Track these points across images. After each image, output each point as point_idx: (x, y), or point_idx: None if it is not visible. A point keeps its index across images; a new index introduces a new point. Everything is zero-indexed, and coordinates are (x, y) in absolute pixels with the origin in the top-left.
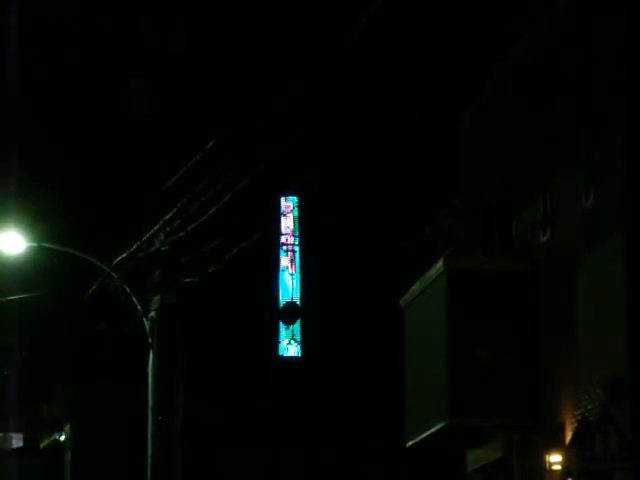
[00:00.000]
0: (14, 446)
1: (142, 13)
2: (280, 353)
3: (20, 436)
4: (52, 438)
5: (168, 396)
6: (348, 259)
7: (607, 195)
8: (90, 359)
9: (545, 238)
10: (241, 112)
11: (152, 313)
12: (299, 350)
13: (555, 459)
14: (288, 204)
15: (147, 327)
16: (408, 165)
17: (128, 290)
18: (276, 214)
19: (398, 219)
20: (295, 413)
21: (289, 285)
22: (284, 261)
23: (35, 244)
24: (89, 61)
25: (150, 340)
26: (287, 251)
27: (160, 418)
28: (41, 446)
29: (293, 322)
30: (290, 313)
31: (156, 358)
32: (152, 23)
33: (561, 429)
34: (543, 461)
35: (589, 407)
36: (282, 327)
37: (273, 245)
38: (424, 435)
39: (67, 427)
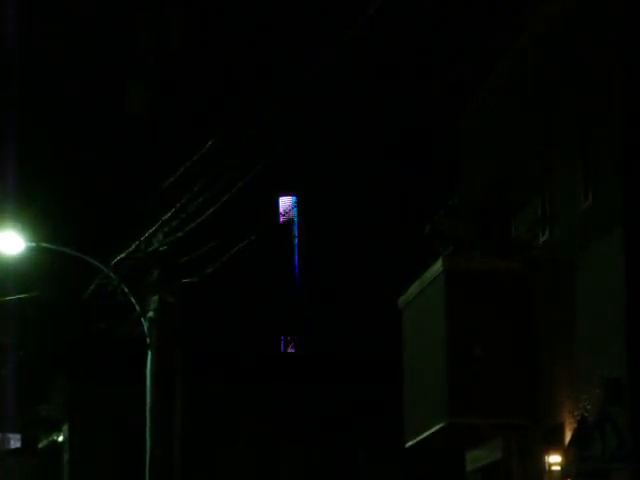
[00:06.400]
0: (12, 446)
1: (141, 12)
2: (279, 353)
3: (18, 436)
4: (50, 438)
5: (166, 396)
6: (347, 259)
7: (606, 195)
8: (89, 359)
9: (544, 238)
10: (240, 112)
11: (150, 313)
12: (298, 349)
13: (554, 459)
14: (287, 204)
15: (145, 327)
16: (406, 165)
17: (127, 290)
18: (275, 214)
19: (396, 219)
20: (295, 413)
21: (288, 285)
22: (283, 261)
23: (34, 244)
24: (89, 61)
25: (148, 340)
26: (286, 251)
27: (158, 418)
28: (39, 446)
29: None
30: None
31: (154, 358)
32: (151, 22)
33: (560, 429)
34: (542, 461)
35: (588, 407)
36: (281, 327)
37: (272, 245)
38: (423, 435)
39: (65, 427)
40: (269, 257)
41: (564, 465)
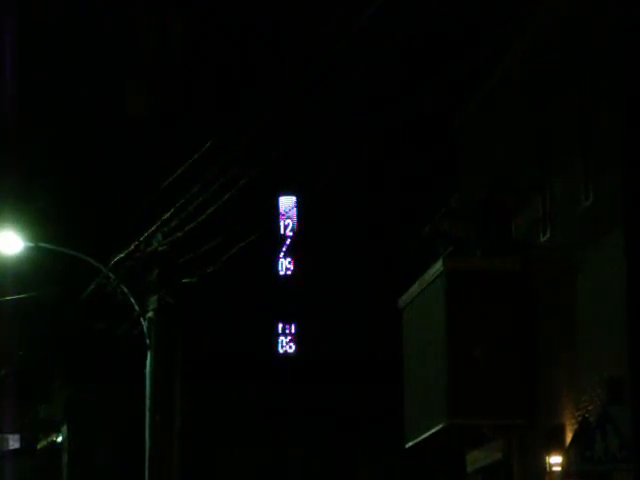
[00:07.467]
0: (11, 447)
1: (141, 12)
2: (278, 352)
3: (17, 437)
4: (49, 439)
5: (166, 396)
6: (347, 259)
7: (606, 194)
8: (88, 360)
9: (544, 238)
10: (240, 112)
11: (150, 313)
12: (298, 349)
13: (555, 460)
14: (287, 203)
15: (145, 327)
16: (406, 165)
17: (126, 290)
18: (275, 213)
19: (397, 219)
20: (294, 413)
21: (287, 284)
22: (282, 260)
23: (32, 244)
24: (89, 61)
25: (148, 340)
26: (285, 250)
27: (157, 418)
28: (38, 447)
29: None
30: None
31: (154, 358)
32: (151, 23)
33: (561, 430)
34: (543, 462)
35: (589, 408)
36: (280, 326)
37: (271, 245)
38: (424, 436)
39: (64, 428)
40: (267, 257)
41: (565, 466)
